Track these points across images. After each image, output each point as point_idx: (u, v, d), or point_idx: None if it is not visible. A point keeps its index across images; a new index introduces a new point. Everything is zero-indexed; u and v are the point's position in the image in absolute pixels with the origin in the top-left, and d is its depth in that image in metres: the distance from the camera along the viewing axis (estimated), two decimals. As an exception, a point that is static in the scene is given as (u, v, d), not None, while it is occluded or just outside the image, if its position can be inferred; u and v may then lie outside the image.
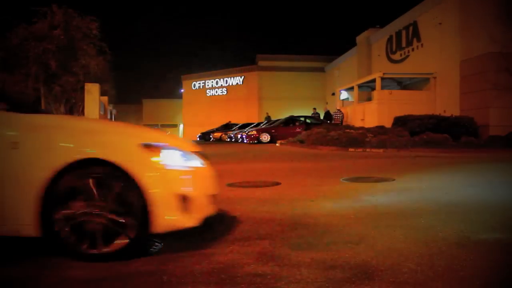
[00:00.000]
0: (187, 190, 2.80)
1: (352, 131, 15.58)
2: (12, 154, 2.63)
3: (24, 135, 2.69)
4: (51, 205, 2.61)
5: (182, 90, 45.74)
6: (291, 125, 21.62)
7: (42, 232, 2.63)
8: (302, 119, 22.13)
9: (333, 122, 21.73)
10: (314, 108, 25.42)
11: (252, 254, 2.69)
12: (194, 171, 2.95)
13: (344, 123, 20.74)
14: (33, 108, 3.45)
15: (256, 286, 2.16)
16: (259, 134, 21.31)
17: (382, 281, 2.19)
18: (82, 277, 2.35)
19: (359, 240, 2.98)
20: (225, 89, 41.00)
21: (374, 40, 27.50)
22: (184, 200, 2.76)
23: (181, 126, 47.84)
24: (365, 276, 2.26)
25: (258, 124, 25.32)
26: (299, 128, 20.56)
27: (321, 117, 23.76)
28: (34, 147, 2.67)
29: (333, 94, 28.40)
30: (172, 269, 2.44)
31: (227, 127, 30.55)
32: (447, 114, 16.60)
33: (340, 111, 22.18)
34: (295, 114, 23.46)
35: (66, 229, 2.62)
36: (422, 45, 21.43)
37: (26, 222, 2.62)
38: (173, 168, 2.79)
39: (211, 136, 30.71)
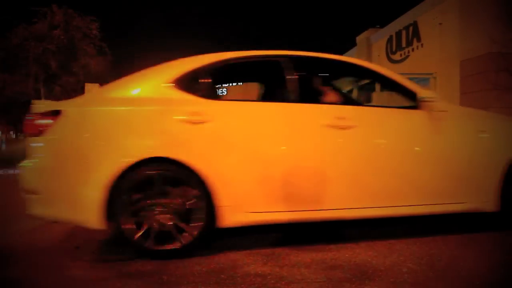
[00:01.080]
0: None
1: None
2: (481, 140, 3.08)
3: (492, 125, 3.22)
4: (509, 183, 3.05)
5: (182, 90, 45.75)
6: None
7: (500, 207, 3.07)
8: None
9: None
10: None
11: (252, 254, 2.69)
12: None
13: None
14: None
15: (256, 286, 2.16)
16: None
17: (382, 281, 2.19)
18: (82, 277, 2.35)
19: (359, 239, 2.98)
20: (225, 89, 41.03)
21: (374, 40, 27.50)
22: None
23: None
24: (365, 276, 2.26)
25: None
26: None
27: None
28: (499, 134, 3.17)
29: (333, 94, 28.39)
30: (172, 269, 2.44)
31: None
32: (447, 114, 16.58)
33: None
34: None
35: None
36: (422, 45, 21.42)
37: (488, 199, 3.05)
38: None
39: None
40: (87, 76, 15.02)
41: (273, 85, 3.52)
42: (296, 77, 3.01)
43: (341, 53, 33.64)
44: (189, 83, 2.87)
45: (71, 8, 14.24)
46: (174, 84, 2.83)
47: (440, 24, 19.31)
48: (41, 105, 2.76)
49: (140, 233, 2.60)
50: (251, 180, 2.73)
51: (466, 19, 17.39)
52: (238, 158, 2.73)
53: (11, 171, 9.17)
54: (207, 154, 2.68)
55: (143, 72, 3.03)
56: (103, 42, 15.06)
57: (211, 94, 2.91)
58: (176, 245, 2.64)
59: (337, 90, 3.63)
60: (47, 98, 13.91)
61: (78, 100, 2.98)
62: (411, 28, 22.44)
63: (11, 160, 10.01)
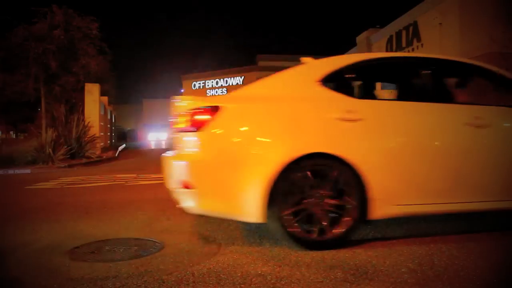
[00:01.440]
0: None
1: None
2: None
3: None
4: None
5: (182, 90, 45.75)
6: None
7: None
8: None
9: None
10: None
11: (252, 254, 2.69)
12: None
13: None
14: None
15: (256, 286, 2.16)
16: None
17: (382, 281, 2.19)
18: (82, 277, 2.35)
19: (360, 239, 2.98)
20: (225, 89, 41.01)
21: (374, 40, 27.50)
22: None
23: (181, 126, 47.76)
24: (365, 276, 2.26)
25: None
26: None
27: None
28: None
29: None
30: (172, 269, 2.44)
31: None
32: (447, 114, 16.54)
33: None
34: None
35: None
36: (422, 45, 21.42)
37: None
38: None
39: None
40: (87, 76, 15.00)
41: (414, 85, 3.68)
42: (435, 78, 3.21)
43: (341, 53, 33.57)
44: (336, 81, 3.04)
45: (71, 8, 14.22)
46: (321, 83, 2.98)
47: (440, 24, 19.30)
48: (192, 102, 2.90)
49: (298, 224, 2.73)
50: (400, 175, 2.91)
51: (466, 19, 17.38)
52: (389, 154, 2.91)
53: (11, 171, 9.17)
54: (361, 150, 2.84)
55: (288, 71, 3.19)
56: (103, 42, 15.04)
57: (358, 92, 3.09)
58: (329, 236, 2.76)
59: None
60: (47, 98, 13.91)
61: (231, 96, 3.10)
62: (411, 28, 22.44)
63: (12, 160, 10.01)
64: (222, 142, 2.82)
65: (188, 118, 2.81)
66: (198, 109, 2.80)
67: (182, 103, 2.95)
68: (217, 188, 2.77)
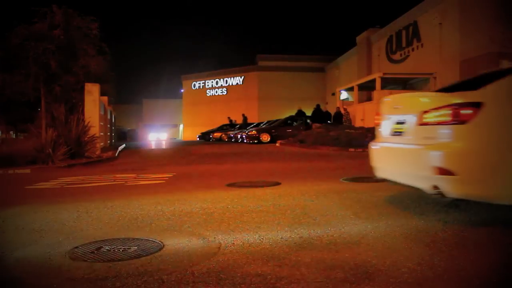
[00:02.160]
0: None
1: (352, 131, 15.59)
2: None
3: None
4: None
5: (182, 90, 45.72)
6: (291, 125, 21.62)
7: None
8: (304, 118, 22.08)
9: (344, 122, 21.10)
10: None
11: (252, 254, 2.69)
12: None
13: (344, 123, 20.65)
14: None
15: (256, 286, 2.16)
16: (259, 134, 21.32)
17: (382, 281, 2.19)
18: (82, 277, 2.35)
19: (359, 239, 2.98)
20: (225, 89, 40.99)
21: (374, 40, 27.50)
22: None
23: (181, 126, 47.83)
24: (365, 276, 2.26)
25: (258, 124, 25.31)
26: (299, 128, 20.55)
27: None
28: None
29: (333, 94, 28.40)
30: (173, 269, 2.44)
31: (231, 125, 30.67)
32: (447, 114, 16.53)
33: (347, 110, 21.78)
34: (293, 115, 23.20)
35: None
36: (422, 45, 21.43)
37: None
38: None
39: (211, 136, 30.71)
40: (87, 76, 14.96)
41: None
42: None
43: (341, 53, 33.56)
44: None
45: (71, 8, 14.18)
46: None
47: (440, 24, 19.31)
48: (446, 97, 3.31)
49: None
50: None
51: (466, 19, 17.38)
52: None
53: (11, 171, 9.16)
54: None
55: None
56: (103, 42, 15.01)
57: None
58: None
59: None
60: (47, 98, 13.89)
61: (482, 92, 3.24)
62: (411, 28, 22.44)
63: (12, 160, 10.00)
64: (486, 133, 3.11)
65: (449, 112, 3.17)
66: (462, 104, 3.13)
67: (428, 99, 3.47)
68: (479, 175, 3.11)
